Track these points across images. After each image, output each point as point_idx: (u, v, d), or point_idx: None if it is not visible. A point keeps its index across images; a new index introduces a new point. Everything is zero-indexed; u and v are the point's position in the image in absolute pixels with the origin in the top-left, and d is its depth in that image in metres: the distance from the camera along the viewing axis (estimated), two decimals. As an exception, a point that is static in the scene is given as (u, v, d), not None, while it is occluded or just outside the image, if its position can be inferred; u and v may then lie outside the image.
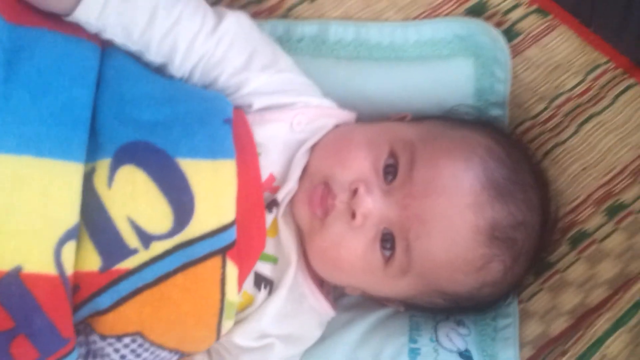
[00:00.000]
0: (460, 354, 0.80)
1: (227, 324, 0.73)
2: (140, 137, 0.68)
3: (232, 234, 0.69)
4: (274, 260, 0.77)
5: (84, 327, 0.70)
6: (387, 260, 0.74)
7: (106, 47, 0.70)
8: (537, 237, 0.78)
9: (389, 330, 0.83)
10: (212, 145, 0.70)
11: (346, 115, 0.83)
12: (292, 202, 0.78)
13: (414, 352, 0.80)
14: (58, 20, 0.70)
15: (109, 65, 0.69)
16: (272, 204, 0.76)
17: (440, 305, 0.80)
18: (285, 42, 0.86)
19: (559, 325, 0.81)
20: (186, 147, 0.69)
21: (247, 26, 0.78)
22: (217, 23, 0.75)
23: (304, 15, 0.91)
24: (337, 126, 0.82)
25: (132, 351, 0.70)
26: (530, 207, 0.76)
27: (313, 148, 0.80)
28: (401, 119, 0.85)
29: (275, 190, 0.77)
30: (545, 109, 0.89)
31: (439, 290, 0.76)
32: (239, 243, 0.70)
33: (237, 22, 0.76)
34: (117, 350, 0.69)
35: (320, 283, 0.81)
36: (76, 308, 0.68)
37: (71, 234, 0.65)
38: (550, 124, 0.89)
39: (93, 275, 0.66)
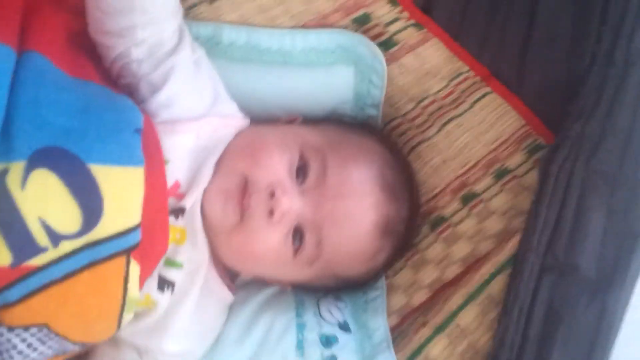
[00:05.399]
0: (340, 325, 0.86)
1: (127, 317, 0.74)
2: (55, 143, 0.67)
3: (136, 236, 0.70)
4: (179, 266, 0.78)
5: None
6: (296, 251, 0.79)
7: (23, 52, 0.69)
8: (408, 228, 0.86)
9: (278, 308, 0.87)
10: (123, 152, 0.71)
11: (244, 123, 0.86)
12: (205, 199, 0.79)
13: (300, 326, 0.85)
14: None
15: (27, 68, 0.67)
16: (179, 211, 0.77)
17: (329, 286, 0.86)
18: (181, 40, 0.86)
19: (420, 297, 0.88)
20: (98, 153, 0.69)
21: None
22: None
23: (202, 16, 0.93)
24: (238, 133, 0.83)
25: (39, 339, 0.70)
26: (408, 204, 0.85)
27: (224, 150, 0.81)
28: (291, 121, 0.88)
29: (180, 197, 0.78)
30: (414, 108, 0.96)
31: (334, 275, 0.83)
32: (143, 244, 0.71)
33: None
34: (23, 340, 0.69)
35: (224, 273, 0.84)
36: None
37: None
38: (417, 122, 0.96)
39: (4, 270, 0.65)
